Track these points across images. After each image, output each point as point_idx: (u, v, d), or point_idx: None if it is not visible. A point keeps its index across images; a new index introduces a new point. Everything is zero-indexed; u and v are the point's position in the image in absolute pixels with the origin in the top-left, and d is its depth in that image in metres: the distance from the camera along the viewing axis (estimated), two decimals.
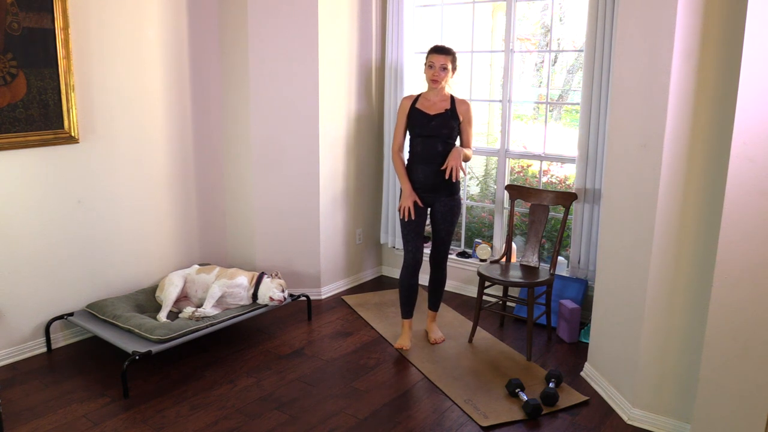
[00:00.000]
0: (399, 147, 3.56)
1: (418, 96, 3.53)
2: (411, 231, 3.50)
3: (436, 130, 3.40)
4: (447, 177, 3.35)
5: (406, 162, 3.56)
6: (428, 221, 3.63)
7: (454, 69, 3.45)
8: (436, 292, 3.70)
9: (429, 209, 3.55)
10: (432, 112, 3.43)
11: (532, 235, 3.88)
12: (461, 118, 3.46)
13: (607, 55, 3.58)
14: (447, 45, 3.44)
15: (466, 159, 3.44)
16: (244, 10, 4.05)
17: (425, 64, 3.43)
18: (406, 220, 3.44)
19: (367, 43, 4.49)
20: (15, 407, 2.94)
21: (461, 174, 3.40)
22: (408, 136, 3.57)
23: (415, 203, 3.45)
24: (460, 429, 2.87)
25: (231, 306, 3.64)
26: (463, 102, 3.48)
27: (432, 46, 3.45)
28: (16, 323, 3.39)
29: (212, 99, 4.23)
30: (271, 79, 4.13)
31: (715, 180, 2.49)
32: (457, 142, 3.55)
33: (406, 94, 4.41)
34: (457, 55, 3.45)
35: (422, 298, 4.08)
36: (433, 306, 3.72)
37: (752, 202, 2.27)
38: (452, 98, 3.47)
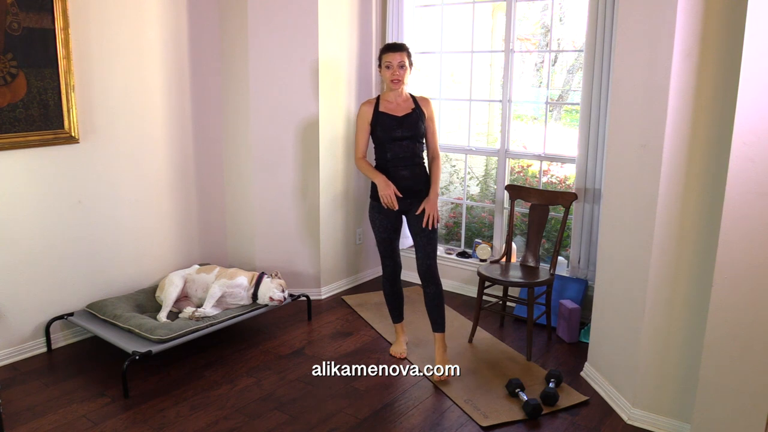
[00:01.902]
0: (363, 155, 3.37)
1: (378, 99, 3.34)
2: (387, 247, 3.39)
3: (409, 131, 3.26)
4: (425, 226, 3.21)
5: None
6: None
7: (410, 65, 3.28)
8: (436, 310, 3.33)
9: (405, 218, 3.39)
10: (400, 114, 3.28)
11: (532, 235, 3.88)
12: (427, 116, 3.34)
13: (607, 55, 3.58)
14: (399, 42, 3.31)
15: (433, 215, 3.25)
16: (244, 10, 4.05)
17: (381, 65, 3.27)
18: (396, 209, 3.23)
19: (367, 43, 4.49)
20: (15, 407, 2.94)
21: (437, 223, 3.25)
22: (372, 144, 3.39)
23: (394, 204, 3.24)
24: (460, 429, 2.87)
25: (231, 306, 3.64)
26: (424, 99, 3.37)
27: (384, 45, 3.34)
28: (16, 323, 3.39)
29: (212, 99, 4.23)
30: (271, 80, 4.13)
31: (715, 180, 2.49)
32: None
33: None
34: (411, 51, 3.30)
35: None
36: (438, 326, 3.33)
37: (752, 202, 2.27)
38: (413, 97, 3.35)
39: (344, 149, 4.43)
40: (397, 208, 3.24)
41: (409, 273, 4.60)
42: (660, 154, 2.63)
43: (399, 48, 3.25)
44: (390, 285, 3.50)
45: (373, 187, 3.34)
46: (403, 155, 3.28)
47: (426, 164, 3.40)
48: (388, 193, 3.21)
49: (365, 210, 4.71)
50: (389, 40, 4.46)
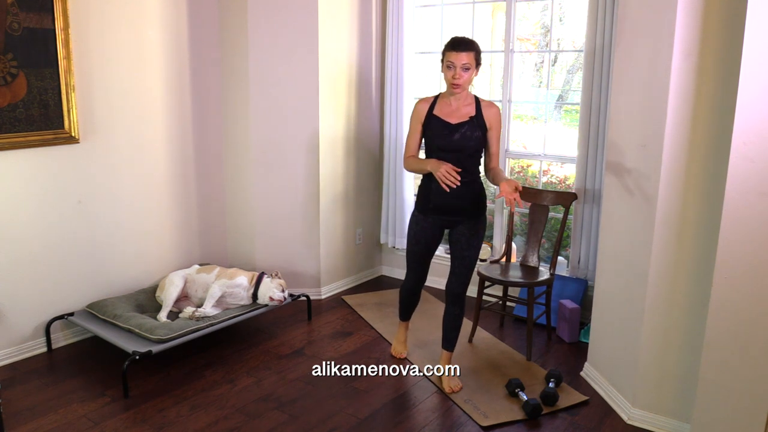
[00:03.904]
0: (413, 154, 3.08)
1: (436, 98, 3.00)
2: (415, 261, 3.20)
3: (461, 143, 2.90)
4: (509, 210, 2.89)
5: (421, 180, 3.10)
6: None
7: (478, 67, 2.88)
8: (452, 330, 3.19)
9: (447, 232, 3.15)
10: (454, 121, 2.92)
11: (532, 235, 3.88)
12: (488, 125, 2.95)
13: (607, 55, 3.59)
14: (468, 38, 2.86)
15: (518, 188, 2.74)
16: (244, 10, 4.05)
17: (443, 63, 2.88)
18: (455, 185, 2.83)
19: (367, 43, 4.49)
20: (15, 407, 2.94)
21: (516, 205, 2.76)
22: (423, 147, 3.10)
23: (433, 222, 3.05)
24: (460, 429, 2.87)
25: (231, 306, 3.63)
26: (491, 105, 2.97)
27: (450, 40, 2.87)
28: (16, 323, 3.39)
29: (212, 99, 4.23)
30: (271, 80, 4.13)
31: (715, 180, 2.49)
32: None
33: (406, 94, 4.40)
34: (481, 50, 2.89)
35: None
36: (448, 345, 3.22)
37: (752, 202, 2.27)
38: (477, 101, 2.96)
39: (344, 149, 4.44)
40: (458, 182, 2.84)
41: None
42: (660, 154, 2.63)
43: (466, 46, 2.81)
44: (407, 294, 3.39)
45: (417, 196, 3.14)
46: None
47: (480, 181, 3.06)
48: (444, 170, 2.81)
49: (365, 210, 4.72)
50: (389, 40, 4.43)
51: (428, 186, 3.03)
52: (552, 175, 5.22)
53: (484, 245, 4.40)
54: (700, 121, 2.54)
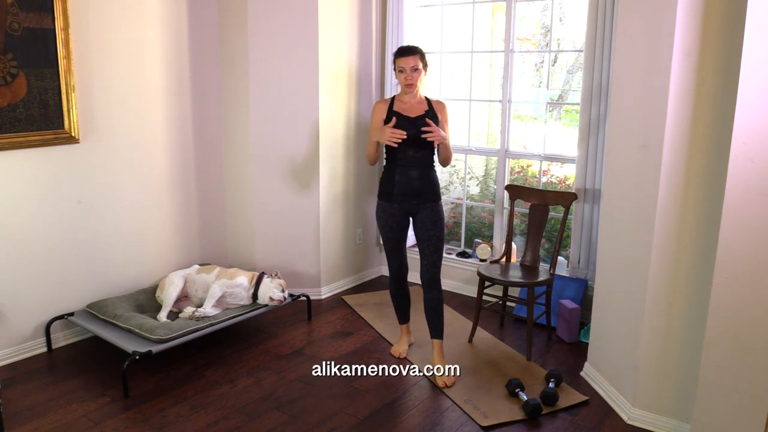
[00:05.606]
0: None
1: (393, 99, 3.33)
2: (392, 248, 3.39)
3: (419, 134, 3.21)
4: (427, 133, 3.13)
5: (383, 170, 3.38)
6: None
7: (425, 67, 3.26)
8: (436, 316, 3.34)
9: (411, 220, 3.37)
10: (413, 115, 3.26)
11: (531, 235, 3.88)
12: (440, 118, 3.31)
13: (607, 55, 3.59)
14: (412, 45, 3.28)
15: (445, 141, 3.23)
16: (245, 10, 4.05)
17: (395, 69, 3.26)
18: (400, 140, 3.15)
19: (367, 43, 4.49)
20: (15, 407, 2.94)
21: (440, 136, 3.15)
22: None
23: (398, 208, 3.28)
24: (460, 429, 2.87)
25: (231, 306, 3.64)
26: (439, 102, 3.36)
27: (396, 49, 3.28)
28: (16, 323, 3.39)
29: (212, 99, 4.23)
30: (271, 80, 4.13)
31: (715, 180, 2.50)
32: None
33: None
34: (425, 52, 3.27)
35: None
36: (436, 333, 3.35)
37: (752, 202, 2.27)
38: (428, 100, 3.32)
39: (344, 149, 4.44)
40: (405, 134, 3.15)
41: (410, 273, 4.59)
42: (660, 154, 2.63)
43: (411, 51, 3.21)
44: (396, 286, 3.49)
45: (381, 186, 3.36)
46: (413, 156, 3.25)
47: (435, 170, 3.35)
48: (388, 131, 3.15)
49: (365, 210, 4.72)
50: (389, 40, 4.46)
51: (392, 175, 3.31)
52: (552, 175, 5.22)
53: (484, 245, 4.41)
54: (700, 121, 2.54)
